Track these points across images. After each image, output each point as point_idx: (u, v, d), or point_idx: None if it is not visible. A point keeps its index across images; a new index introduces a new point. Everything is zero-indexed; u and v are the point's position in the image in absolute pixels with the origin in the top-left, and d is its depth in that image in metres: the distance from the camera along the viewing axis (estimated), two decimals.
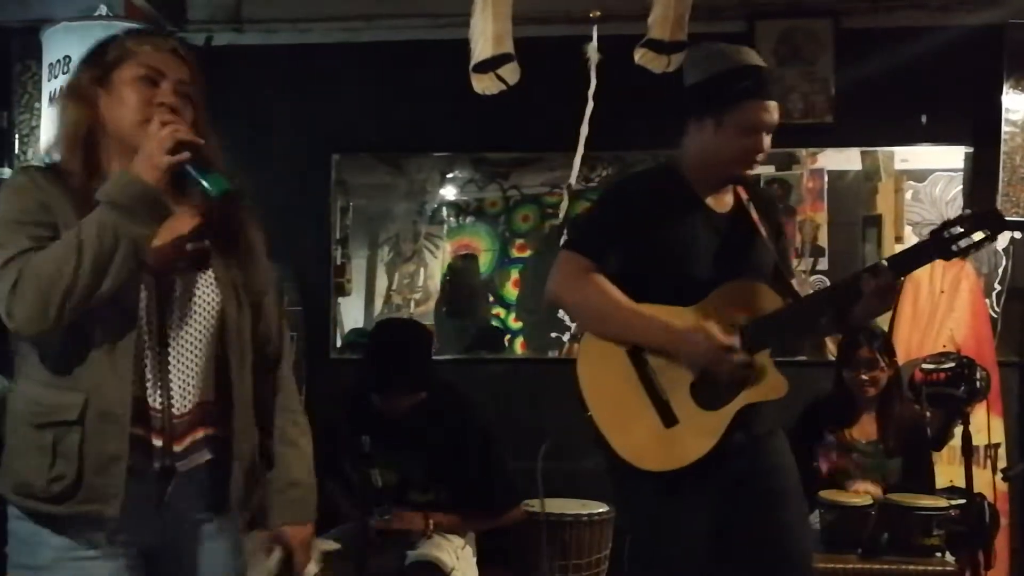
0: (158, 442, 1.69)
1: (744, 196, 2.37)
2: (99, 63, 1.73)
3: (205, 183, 1.65)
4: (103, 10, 4.04)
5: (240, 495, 1.79)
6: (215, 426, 1.76)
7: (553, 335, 6.17)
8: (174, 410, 1.71)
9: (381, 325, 4.00)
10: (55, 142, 1.74)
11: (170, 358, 1.70)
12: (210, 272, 1.75)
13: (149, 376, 1.69)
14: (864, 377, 3.50)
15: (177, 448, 1.71)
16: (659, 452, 2.27)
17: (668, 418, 2.27)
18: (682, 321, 2.27)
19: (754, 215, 2.35)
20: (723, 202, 2.37)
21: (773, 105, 2.28)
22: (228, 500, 1.78)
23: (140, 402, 1.67)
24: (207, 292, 1.74)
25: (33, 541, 1.67)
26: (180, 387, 1.71)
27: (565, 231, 5.31)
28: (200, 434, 1.74)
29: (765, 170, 4.49)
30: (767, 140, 2.29)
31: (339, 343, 4.93)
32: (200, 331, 1.73)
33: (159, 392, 1.69)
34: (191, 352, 1.73)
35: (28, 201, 1.66)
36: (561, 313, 6.21)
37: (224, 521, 1.81)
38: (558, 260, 2.37)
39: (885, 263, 2.20)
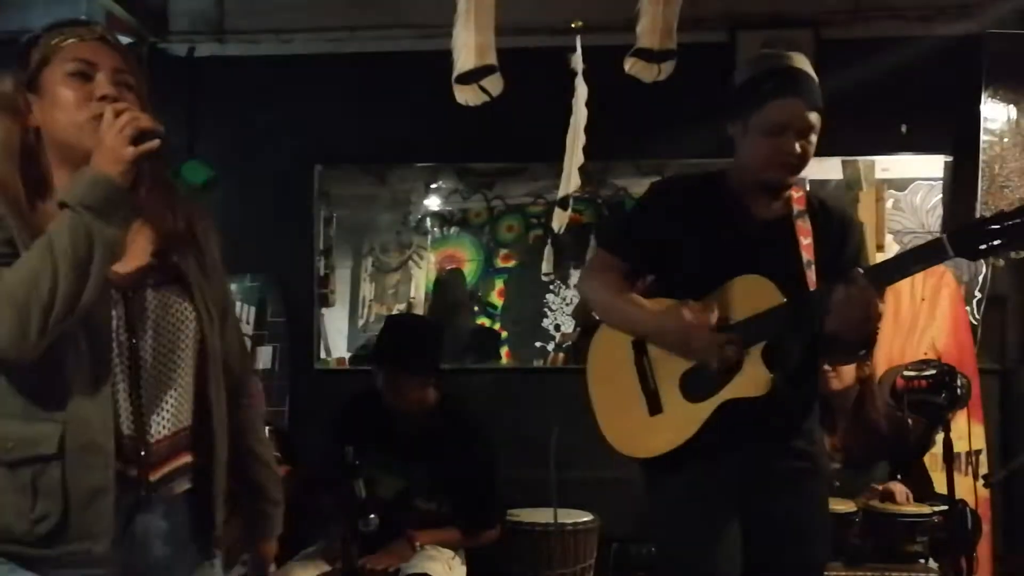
0: (132, 472, 1.55)
1: (798, 206, 2.28)
2: (24, 67, 1.55)
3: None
4: None
5: (222, 525, 1.71)
6: (195, 453, 1.64)
7: (538, 344, 6.17)
8: (149, 437, 1.57)
9: (392, 318, 4.40)
10: None
11: (142, 381, 1.56)
12: (183, 288, 1.63)
13: (121, 401, 1.54)
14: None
15: (152, 478, 1.58)
16: (637, 439, 2.31)
17: (654, 407, 2.29)
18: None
19: (800, 225, 2.26)
20: (770, 209, 2.29)
21: (798, 104, 2.21)
22: (211, 532, 1.68)
23: (116, 430, 1.53)
24: (182, 310, 1.62)
25: None
26: (156, 412, 1.58)
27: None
28: (179, 462, 1.62)
29: None
30: (802, 142, 2.22)
31: (323, 354, 4.91)
32: (176, 352, 1.60)
33: (131, 418, 1.55)
34: (167, 375, 1.60)
35: None
36: (545, 323, 6.23)
37: (205, 555, 1.70)
38: (588, 256, 2.40)
39: (860, 270, 2.09)
